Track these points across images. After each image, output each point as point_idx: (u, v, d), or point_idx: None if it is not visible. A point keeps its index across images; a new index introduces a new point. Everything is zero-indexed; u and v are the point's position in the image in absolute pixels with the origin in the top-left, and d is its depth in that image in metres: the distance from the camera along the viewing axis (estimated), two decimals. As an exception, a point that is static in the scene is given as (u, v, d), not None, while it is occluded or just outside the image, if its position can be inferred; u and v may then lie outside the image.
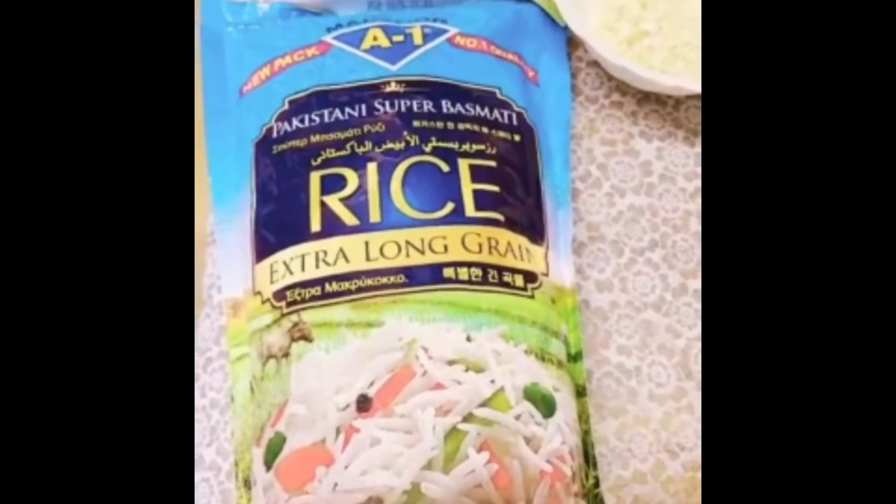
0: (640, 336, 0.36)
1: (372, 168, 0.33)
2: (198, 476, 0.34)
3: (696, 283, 0.36)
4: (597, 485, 0.31)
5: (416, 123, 0.34)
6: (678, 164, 0.39)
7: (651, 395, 0.35)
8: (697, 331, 0.36)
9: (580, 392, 0.32)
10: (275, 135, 0.35)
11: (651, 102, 0.41)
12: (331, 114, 0.34)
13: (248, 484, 0.30)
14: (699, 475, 0.33)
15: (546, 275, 0.33)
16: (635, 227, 0.38)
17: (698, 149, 0.39)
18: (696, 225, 0.38)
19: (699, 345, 0.35)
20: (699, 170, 0.39)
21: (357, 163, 0.33)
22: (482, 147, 0.34)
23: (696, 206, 0.38)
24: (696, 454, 0.33)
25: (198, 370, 0.36)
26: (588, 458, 0.31)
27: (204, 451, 0.34)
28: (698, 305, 0.36)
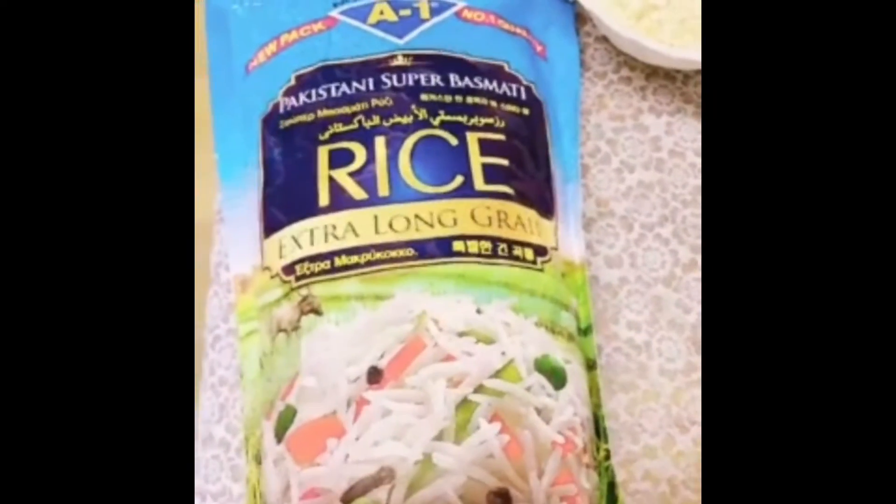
0: (650, 311, 0.35)
1: (380, 142, 0.33)
2: (208, 453, 0.34)
3: (706, 258, 0.36)
4: (608, 457, 0.31)
5: (423, 97, 0.34)
6: (687, 140, 0.39)
7: (661, 371, 0.34)
8: (708, 305, 0.35)
9: (590, 366, 0.32)
10: (282, 110, 0.34)
11: (660, 77, 0.40)
12: (338, 88, 0.34)
13: (258, 459, 0.30)
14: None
15: (556, 249, 0.33)
16: (645, 202, 0.38)
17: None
18: (705, 200, 0.37)
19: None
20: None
21: (365, 137, 0.33)
22: (490, 121, 0.34)
23: (705, 181, 0.38)
24: (707, 428, 0.33)
25: (206, 348, 0.36)
26: (599, 430, 0.31)
27: (213, 429, 0.34)
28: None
